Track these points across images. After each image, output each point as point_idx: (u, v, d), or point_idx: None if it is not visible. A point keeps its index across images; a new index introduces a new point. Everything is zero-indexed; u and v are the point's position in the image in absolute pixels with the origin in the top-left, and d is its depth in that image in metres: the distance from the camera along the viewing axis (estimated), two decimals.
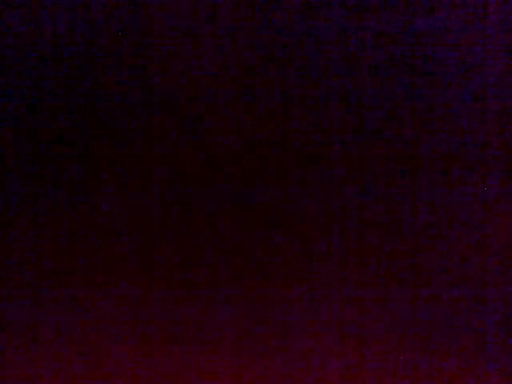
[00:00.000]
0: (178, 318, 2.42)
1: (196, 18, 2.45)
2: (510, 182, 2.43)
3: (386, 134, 2.44)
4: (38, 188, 2.43)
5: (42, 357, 2.42)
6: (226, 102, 2.44)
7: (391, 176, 2.44)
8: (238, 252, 2.43)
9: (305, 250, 2.43)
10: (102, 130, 2.44)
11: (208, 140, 2.44)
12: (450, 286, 2.43)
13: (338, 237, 2.43)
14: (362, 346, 2.42)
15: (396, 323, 2.42)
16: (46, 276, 2.43)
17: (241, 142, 2.44)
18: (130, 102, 2.44)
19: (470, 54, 2.44)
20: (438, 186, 2.44)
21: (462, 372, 2.42)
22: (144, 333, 2.43)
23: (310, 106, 2.44)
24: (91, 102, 2.45)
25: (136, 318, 2.43)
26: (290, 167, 2.44)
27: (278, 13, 2.44)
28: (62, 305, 2.42)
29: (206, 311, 2.42)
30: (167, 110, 2.45)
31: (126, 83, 2.44)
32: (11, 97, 2.44)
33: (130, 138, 2.44)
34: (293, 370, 2.42)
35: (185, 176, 2.44)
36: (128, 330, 2.42)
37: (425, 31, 2.44)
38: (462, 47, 2.44)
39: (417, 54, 2.44)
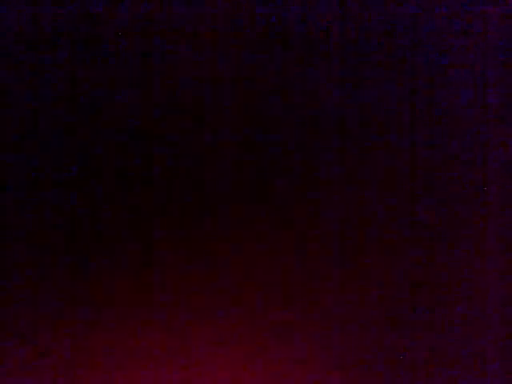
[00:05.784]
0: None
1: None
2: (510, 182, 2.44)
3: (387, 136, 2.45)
4: (36, 189, 2.43)
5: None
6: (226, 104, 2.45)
7: (391, 178, 2.44)
8: (238, 251, 2.43)
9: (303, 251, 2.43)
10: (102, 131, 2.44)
11: (207, 141, 2.45)
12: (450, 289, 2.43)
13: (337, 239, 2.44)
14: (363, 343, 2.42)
15: (397, 324, 2.42)
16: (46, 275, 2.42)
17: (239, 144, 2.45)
18: (130, 102, 2.44)
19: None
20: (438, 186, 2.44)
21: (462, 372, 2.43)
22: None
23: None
24: (91, 100, 2.45)
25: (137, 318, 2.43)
26: (291, 166, 2.44)
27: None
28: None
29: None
30: (167, 109, 2.45)
31: (126, 84, 2.45)
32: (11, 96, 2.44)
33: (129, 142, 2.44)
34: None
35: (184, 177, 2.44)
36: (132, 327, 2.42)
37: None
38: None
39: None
